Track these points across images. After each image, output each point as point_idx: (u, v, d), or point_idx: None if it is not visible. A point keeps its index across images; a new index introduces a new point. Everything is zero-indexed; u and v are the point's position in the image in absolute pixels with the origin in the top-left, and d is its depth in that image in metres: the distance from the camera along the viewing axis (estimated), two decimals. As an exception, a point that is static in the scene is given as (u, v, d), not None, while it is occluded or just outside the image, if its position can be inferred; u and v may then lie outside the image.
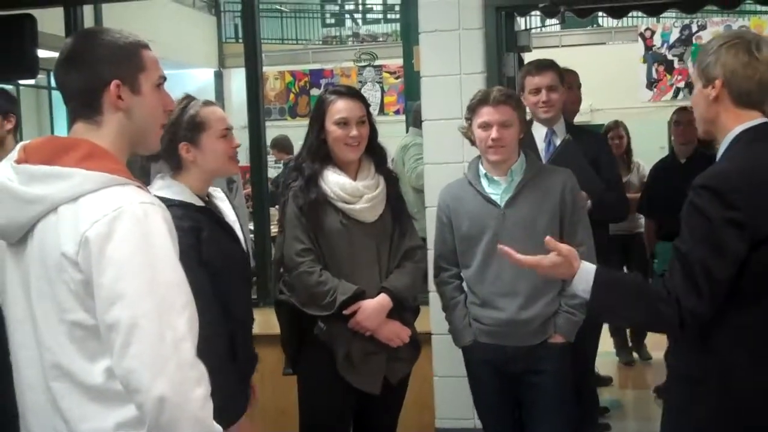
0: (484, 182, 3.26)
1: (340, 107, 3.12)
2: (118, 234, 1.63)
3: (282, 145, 8.52)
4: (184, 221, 2.43)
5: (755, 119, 2.25)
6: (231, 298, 2.64)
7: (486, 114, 3.17)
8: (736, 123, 2.25)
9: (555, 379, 3.19)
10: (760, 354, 2.17)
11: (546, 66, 3.93)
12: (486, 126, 3.17)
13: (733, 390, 2.17)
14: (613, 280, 2.34)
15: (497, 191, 3.23)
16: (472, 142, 3.29)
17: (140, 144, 1.87)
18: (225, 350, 2.62)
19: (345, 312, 3.06)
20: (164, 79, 1.89)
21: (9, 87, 9.72)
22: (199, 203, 2.65)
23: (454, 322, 3.34)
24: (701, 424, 2.24)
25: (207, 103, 2.76)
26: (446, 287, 3.36)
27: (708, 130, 2.34)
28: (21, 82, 8.40)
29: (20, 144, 1.80)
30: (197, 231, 2.53)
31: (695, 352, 2.23)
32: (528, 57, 4.77)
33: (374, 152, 3.22)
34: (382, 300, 3.12)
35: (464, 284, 3.33)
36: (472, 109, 3.23)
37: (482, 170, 3.27)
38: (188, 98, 2.75)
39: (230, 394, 2.63)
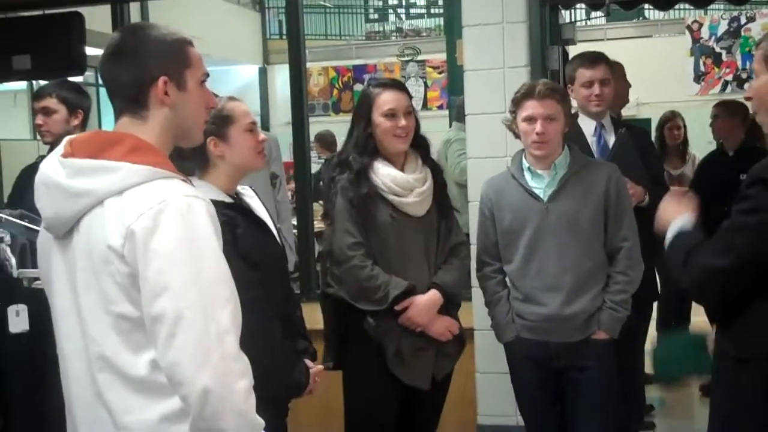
0: (527, 176, 3.23)
1: (388, 99, 3.12)
2: (163, 227, 1.65)
3: (326, 140, 8.52)
4: (218, 217, 2.45)
5: None
6: (270, 291, 2.66)
7: (531, 107, 3.14)
8: None
9: (598, 375, 3.15)
10: None
11: (599, 59, 3.85)
12: (530, 120, 3.14)
13: None
14: (687, 233, 2.35)
15: (540, 185, 3.20)
16: (516, 135, 3.26)
17: (184, 139, 1.89)
18: (280, 334, 2.67)
19: (397, 308, 3.06)
20: (207, 76, 1.91)
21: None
22: (228, 200, 2.65)
23: (497, 318, 3.32)
24: (746, 404, 2.24)
25: (231, 98, 2.77)
26: (489, 282, 3.34)
27: None
28: (69, 79, 8.54)
29: (67, 138, 1.82)
30: (232, 226, 2.53)
31: (742, 334, 2.23)
32: (573, 50, 4.73)
33: (418, 143, 3.22)
34: (434, 296, 3.13)
35: (507, 279, 3.31)
36: (517, 103, 3.20)
37: (525, 164, 3.25)
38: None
39: (292, 372, 2.72)
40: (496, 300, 3.31)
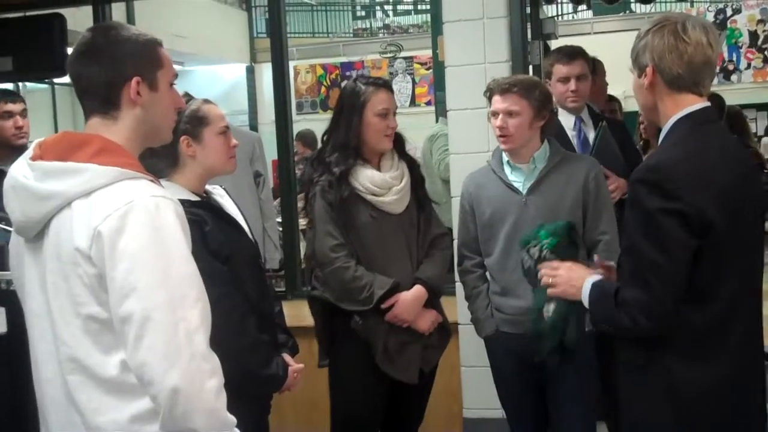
0: (506, 169, 3.24)
1: (382, 98, 3.14)
2: (130, 227, 1.65)
3: (308, 139, 8.45)
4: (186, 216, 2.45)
5: (693, 105, 2.20)
6: (243, 286, 2.67)
7: (494, 102, 3.17)
8: (675, 110, 2.21)
9: (577, 366, 3.12)
10: (699, 350, 2.16)
11: (576, 54, 3.83)
12: (494, 114, 3.17)
13: (672, 378, 2.16)
14: (598, 288, 2.30)
15: (520, 179, 3.21)
16: None
17: (153, 139, 1.90)
18: (254, 328, 2.68)
19: (383, 306, 3.08)
20: (176, 77, 1.92)
21: (44, 86, 9.88)
22: (196, 198, 2.65)
23: (476, 312, 3.33)
24: (644, 412, 2.23)
25: (206, 101, 2.78)
26: (469, 276, 3.35)
27: (652, 117, 2.31)
28: (55, 80, 8.54)
29: (36, 141, 1.83)
30: (200, 224, 2.53)
31: (640, 340, 2.21)
32: (555, 44, 4.73)
33: (395, 139, 3.23)
34: (418, 292, 3.15)
35: (487, 273, 3.32)
36: (488, 98, 3.23)
37: (505, 158, 3.26)
38: (187, 96, 2.78)
39: (268, 366, 2.72)
40: (476, 294, 3.32)
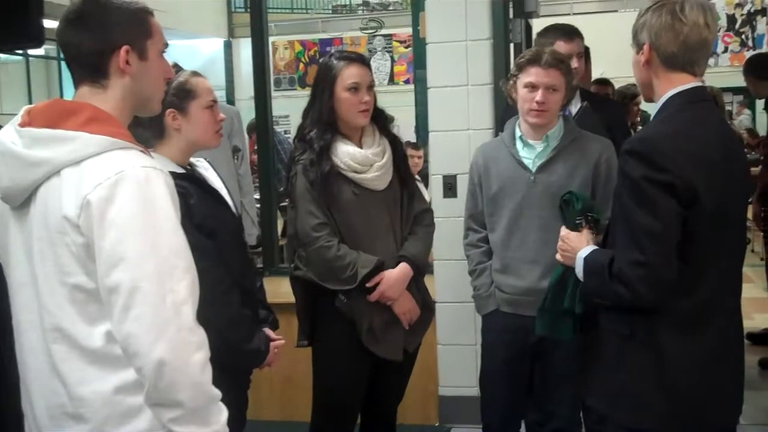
0: (518, 145, 3.18)
1: (352, 72, 3.09)
2: (120, 197, 1.63)
3: None
4: None
5: (687, 83, 2.25)
6: (227, 260, 2.66)
7: (534, 74, 3.07)
8: (669, 87, 2.26)
9: (569, 351, 2.99)
10: (686, 325, 2.22)
11: (576, 33, 3.81)
12: (532, 87, 3.07)
13: (659, 349, 2.22)
14: (591, 260, 2.33)
15: (530, 155, 3.15)
16: (513, 101, 3.20)
17: (142, 109, 1.88)
18: (237, 303, 2.68)
19: (368, 285, 3.07)
20: (167, 46, 1.90)
21: (18, 58, 9.76)
22: (181, 171, 2.62)
23: (480, 289, 3.28)
24: (625, 380, 2.28)
25: (195, 73, 2.75)
26: (475, 251, 3.31)
27: (648, 94, 2.36)
28: (30, 52, 8.42)
29: (25, 108, 1.81)
30: (185, 197, 2.48)
31: (626, 310, 2.25)
32: (536, 23, 4.73)
33: (375, 116, 3.20)
34: (403, 269, 3.14)
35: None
36: (521, 68, 3.12)
37: (518, 132, 3.20)
38: (176, 67, 2.75)
39: (251, 341, 2.74)
40: (480, 270, 3.28)
